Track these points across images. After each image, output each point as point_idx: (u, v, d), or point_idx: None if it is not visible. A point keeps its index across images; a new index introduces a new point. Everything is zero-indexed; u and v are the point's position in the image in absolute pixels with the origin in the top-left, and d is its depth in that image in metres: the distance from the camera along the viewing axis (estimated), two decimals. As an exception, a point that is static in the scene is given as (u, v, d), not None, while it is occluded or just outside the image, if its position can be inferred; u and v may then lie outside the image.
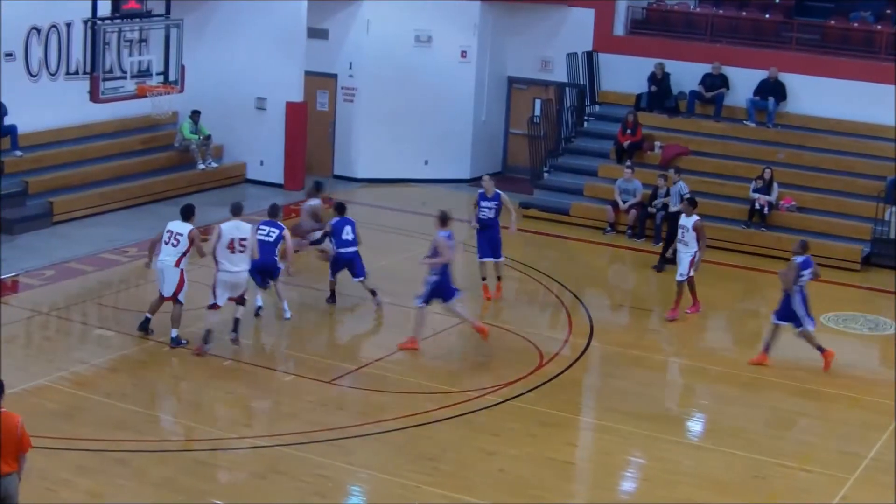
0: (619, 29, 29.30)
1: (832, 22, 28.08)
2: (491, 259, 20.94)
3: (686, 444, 16.08)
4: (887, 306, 21.69)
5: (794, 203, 25.12)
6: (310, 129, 28.50)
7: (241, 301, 18.07)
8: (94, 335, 18.70)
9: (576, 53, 28.62)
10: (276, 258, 19.02)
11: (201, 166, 27.49)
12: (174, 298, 17.80)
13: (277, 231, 18.91)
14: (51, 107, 25.11)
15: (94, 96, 20.67)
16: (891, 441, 15.95)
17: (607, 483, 14.92)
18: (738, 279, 23.20)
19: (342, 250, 19.80)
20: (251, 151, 28.28)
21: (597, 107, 29.10)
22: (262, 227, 18.95)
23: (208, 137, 27.63)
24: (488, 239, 20.85)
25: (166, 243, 17.75)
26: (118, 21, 20.98)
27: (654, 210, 24.92)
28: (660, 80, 27.84)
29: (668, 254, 21.89)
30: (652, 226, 24.96)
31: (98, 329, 18.93)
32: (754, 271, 23.16)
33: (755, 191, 25.02)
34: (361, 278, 20.02)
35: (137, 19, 21.65)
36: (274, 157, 27.90)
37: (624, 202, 25.60)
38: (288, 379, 17.47)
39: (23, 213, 23.80)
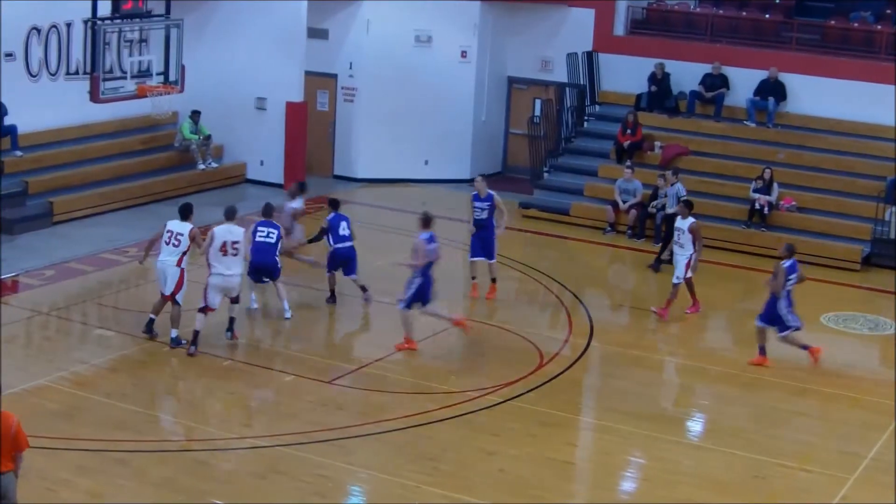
0: (620, 29, 29.30)
1: (832, 22, 28.08)
2: (482, 259, 20.92)
3: (686, 444, 16.08)
4: (887, 306, 21.68)
5: (794, 203, 25.13)
6: (310, 130, 28.50)
7: (235, 300, 18.14)
8: (94, 335, 18.70)
9: (576, 53, 28.62)
10: (277, 258, 19.04)
11: (201, 166, 27.49)
12: (172, 298, 17.81)
13: (276, 231, 18.96)
14: (51, 107, 25.11)
15: (94, 96, 20.66)
16: (891, 441, 15.95)
17: (607, 483, 14.92)
18: (738, 279, 23.20)
19: (339, 246, 19.83)
20: (251, 151, 28.28)
21: (597, 107, 29.10)
22: (260, 227, 19.01)
23: (208, 137, 27.63)
24: (481, 239, 20.84)
25: (167, 243, 17.75)
26: (118, 21, 20.96)
27: (654, 210, 24.92)
28: (660, 80, 27.84)
29: (665, 256, 21.84)
30: (652, 226, 24.95)
31: (98, 329, 18.94)
32: (754, 271, 23.12)
33: (755, 191, 25.02)
34: (354, 276, 20.03)
35: (137, 19, 21.63)
36: (274, 157, 27.90)
37: (624, 202, 25.60)
38: (288, 379, 17.47)
39: (23, 213, 23.80)
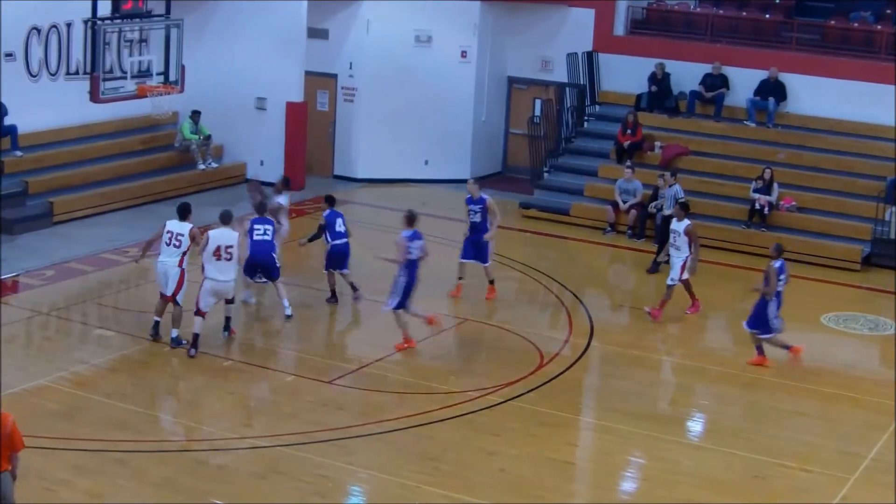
0: (620, 29, 29.29)
1: (832, 22, 28.07)
2: (473, 261, 20.89)
3: (686, 444, 16.08)
4: (887, 306, 21.68)
5: (794, 203, 25.12)
6: (310, 130, 28.50)
7: (230, 301, 18.23)
8: (94, 335, 18.70)
9: (576, 53, 28.62)
10: (275, 256, 19.06)
11: (201, 166, 27.49)
12: (173, 299, 17.81)
13: (271, 227, 19.10)
14: (51, 107, 25.11)
15: (95, 96, 20.68)
16: (891, 441, 15.94)
17: (607, 483, 14.92)
18: (738, 279, 23.17)
19: (337, 242, 19.86)
20: (251, 151, 28.27)
21: (597, 107, 29.09)
22: (256, 225, 19.07)
23: (208, 137, 27.63)
24: (474, 242, 20.81)
25: (167, 244, 17.75)
26: (118, 21, 20.98)
27: (653, 210, 24.90)
28: (660, 80, 27.83)
29: (661, 258, 21.78)
30: (652, 226, 24.93)
31: (98, 329, 18.94)
32: (754, 271, 23.03)
33: (755, 191, 25.02)
34: (346, 271, 20.05)
35: (137, 19, 21.64)
36: (274, 157, 27.89)
37: (624, 202, 25.60)
38: (288, 379, 17.48)
39: (23, 213, 23.80)
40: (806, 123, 26.85)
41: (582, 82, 28.63)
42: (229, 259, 17.70)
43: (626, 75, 28.55)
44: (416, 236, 18.22)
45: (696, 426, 16.99)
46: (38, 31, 24.82)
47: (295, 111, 27.89)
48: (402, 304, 18.17)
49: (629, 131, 27.09)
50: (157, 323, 18.04)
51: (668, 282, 20.27)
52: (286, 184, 21.48)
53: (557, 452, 15.36)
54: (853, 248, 24.15)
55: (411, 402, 16.52)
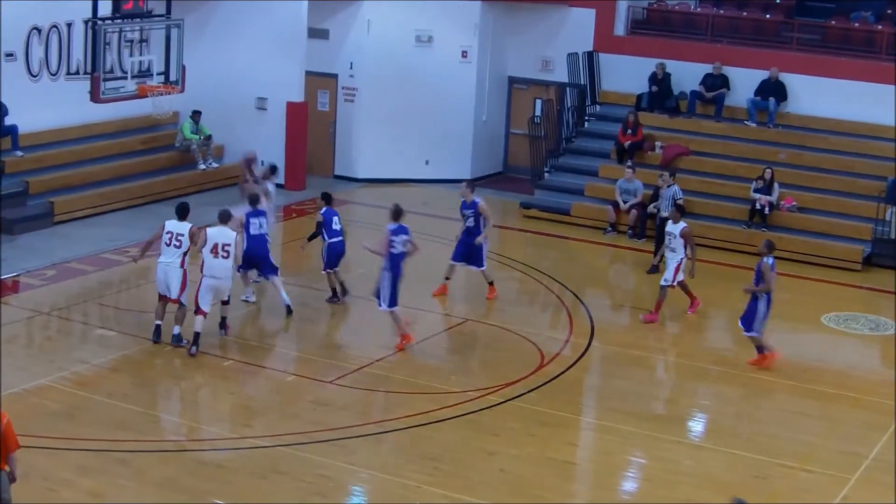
0: (620, 29, 29.29)
1: (833, 22, 28.07)
2: (462, 264, 20.87)
3: (687, 444, 16.08)
4: (888, 306, 21.67)
5: (794, 203, 25.12)
6: (310, 130, 28.51)
7: (225, 302, 18.33)
8: (95, 335, 18.71)
9: (576, 53, 28.62)
10: (269, 250, 19.46)
11: (202, 166, 27.50)
12: (178, 300, 17.84)
13: (265, 220, 19.46)
14: (51, 107, 25.11)
15: (95, 96, 20.70)
16: (892, 441, 15.95)
17: (608, 483, 14.92)
18: (739, 279, 23.04)
19: (334, 240, 19.89)
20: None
21: (597, 107, 29.10)
22: (252, 219, 19.30)
23: (209, 137, 27.64)
24: (466, 245, 20.78)
25: (167, 245, 17.76)
26: (119, 21, 21.00)
27: (654, 210, 24.89)
28: (660, 81, 27.83)
29: (656, 261, 21.75)
30: (653, 226, 24.92)
31: (99, 329, 18.94)
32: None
33: (756, 191, 25.01)
34: (337, 269, 20.17)
35: (138, 19, 21.65)
36: (275, 157, 27.67)
37: (625, 202, 25.60)
38: (289, 379, 17.50)
39: (23, 213, 23.81)
40: (806, 123, 26.85)
41: (582, 82, 28.64)
42: (226, 257, 17.77)
43: (626, 75, 28.55)
44: (400, 230, 18.26)
45: (696, 426, 16.99)
46: (39, 31, 24.82)
47: (295, 111, 27.89)
48: (395, 301, 18.21)
49: (630, 131, 27.09)
50: (158, 327, 18.02)
51: (662, 282, 20.23)
52: (272, 171, 21.54)
53: (558, 452, 15.37)
54: (854, 248, 24.15)
55: (412, 402, 16.53)
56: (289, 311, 19.45)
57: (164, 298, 17.94)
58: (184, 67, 21.85)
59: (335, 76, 29.20)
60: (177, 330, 17.91)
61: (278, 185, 27.58)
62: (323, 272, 20.18)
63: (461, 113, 29.35)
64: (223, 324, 18.42)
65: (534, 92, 30.05)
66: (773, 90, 26.88)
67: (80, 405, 15.93)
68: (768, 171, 24.98)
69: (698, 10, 29.58)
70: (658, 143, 27.20)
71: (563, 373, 17.91)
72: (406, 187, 28.66)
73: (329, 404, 16.50)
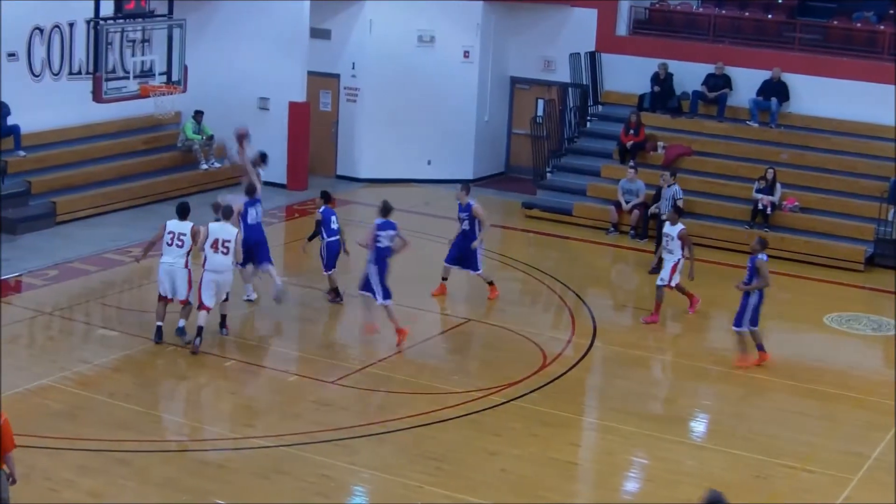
0: (622, 29, 29.28)
1: (835, 22, 28.06)
2: (456, 266, 20.87)
3: (688, 444, 16.08)
4: (890, 307, 21.63)
5: (797, 203, 25.11)
6: (313, 130, 28.51)
7: (225, 299, 18.35)
8: (98, 335, 18.71)
9: (578, 53, 28.61)
10: (265, 238, 19.80)
11: (204, 166, 27.50)
12: (186, 300, 17.90)
13: (260, 208, 19.75)
14: (54, 107, 25.12)
15: (97, 96, 20.70)
16: (893, 442, 15.92)
17: (610, 483, 14.92)
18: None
19: (331, 239, 19.91)
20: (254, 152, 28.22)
21: (599, 107, 29.09)
22: (249, 208, 19.54)
23: (211, 137, 27.64)
24: (460, 248, 20.78)
25: (169, 245, 17.80)
26: (121, 21, 21.00)
27: (656, 211, 24.89)
28: (663, 81, 27.82)
29: (654, 265, 21.73)
30: (655, 226, 24.91)
31: (101, 329, 18.94)
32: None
33: (758, 191, 25.00)
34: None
35: (140, 19, 21.65)
36: (277, 157, 27.74)
37: (627, 202, 25.59)
38: (291, 379, 17.50)
39: (26, 213, 23.82)
40: (809, 124, 26.84)
41: (584, 82, 28.63)
42: (226, 253, 17.84)
43: (628, 75, 28.54)
44: (388, 226, 18.32)
45: (698, 426, 16.98)
46: (41, 30, 24.83)
47: (298, 111, 27.90)
48: (389, 294, 18.26)
49: (632, 131, 27.07)
50: (159, 328, 18.03)
51: (658, 282, 20.18)
52: (262, 159, 21.57)
53: (560, 452, 15.37)
54: (856, 248, 24.13)
55: (414, 402, 16.52)
56: (279, 296, 19.53)
57: (164, 299, 17.95)
58: (186, 67, 21.86)
59: (337, 76, 29.20)
60: (181, 323, 18.00)
61: (280, 185, 27.73)
62: (325, 273, 20.16)
63: (463, 113, 29.35)
64: (223, 323, 18.43)
65: (536, 92, 30.05)
66: (775, 90, 26.87)
67: (81, 405, 15.94)
68: (770, 171, 24.97)
69: (700, 10, 29.57)
70: (660, 144, 27.20)
71: (565, 373, 17.91)
72: (408, 187, 28.67)
73: (331, 404, 16.50)
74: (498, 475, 14.58)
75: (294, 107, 27.83)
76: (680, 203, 23.65)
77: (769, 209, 24.78)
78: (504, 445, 15.34)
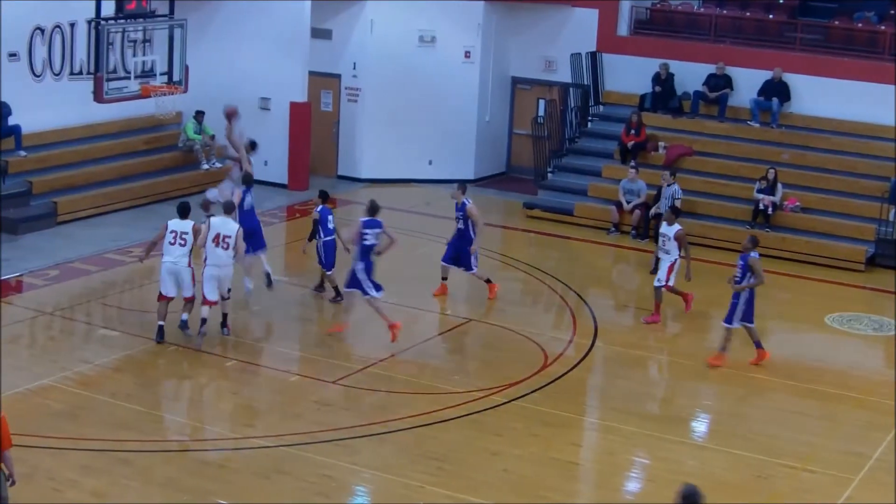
0: (623, 29, 29.28)
1: (836, 22, 28.05)
2: (451, 265, 20.87)
3: (690, 444, 16.08)
4: (891, 307, 21.63)
5: (798, 204, 25.11)
6: (314, 130, 28.51)
7: (226, 297, 18.39)
8: (99, 335, 18.71)
9: (579, 54, 28.61)
10: (260, 225, 20.11)
11: (205, 166, 27.49)
12: (193, 297, 17.99)
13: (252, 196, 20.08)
14: (55, 107, 25.12)
15: (98, 96, 20.69)
16: (894, 442, 15.94)
17: (611, 483, 14.92)
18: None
19: (328, 239, 19.92)
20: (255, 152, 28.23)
21: (601, 107, 29.09)
22: (247, 196, 19.85)
23: (212, 137, 27.62)
24: (455, 248, 20.79)
25: (172, 244, 17.83)
26: (122, 21, 21.00)
27: (658, 211, 24.89)
28: (664, 81, 27.82)
29: (652, 263, 21.74)
30: (656, 226, 24.88)
31: (102, 329, 18.94)
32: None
33: (759, 191, 25.00)
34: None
35: (141, 19, 21.65)
36: (278, 157, 27.89)
37: (628, 203, 25.59)
38: (292, 379, 17.50)
39: (27, 213, 23.82)
40: (809, 124, 26.84)
41: (585, 82, 28.63)
42: (226, 248, 17.95)
43: (629, 75, 28.54)
44: (374, 224, 18.37)
45: (699, 426, 16.98)
46: (42, 31, 24.82)
47: (299, 111, 27.90)
48: (380, 287, 18.37)
49: (633, 131, 27.07)
50: (161, 327, 18.03)
51: (655, 283, 20.14)
52: (252, 147, 21.59)
53: (561, 452, 15.37)
54: (857, 248, 24.13)
55: (415, 402, 16.53)
56: (269, 280, 19.88)
57: (166, 298, 17.96)
58: (187, 67, 21.86)
59: (338, 76, 29.20)
60: (184, 316, 18.08)
61: (281, 185, 27.73)
62: (328, 273, 20.15)
63: (464, 113, 29.35)
64: (224, 323, 18.44)
65: (537, 92, 30.05)
66: (776, 90, 26.87)
67: (83, 405, 15.94)
68: (772, 171, 24.97)
69: (701, 10, 29.57)
70: (661, 144, 27.20)
71: (566, 373, 17.91)
72: (409, 187, 28.68)
73: (332, 404, 16.51)
74: (499, 475, 14.59)
75: (295, 107, 27.83)
76: (678, 203, 23.65)
77: (770, 209, 24.77)
78: (505, 445, 15.34)
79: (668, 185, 24.39)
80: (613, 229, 25.76)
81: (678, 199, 24.13)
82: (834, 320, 20.92)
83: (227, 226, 18.04)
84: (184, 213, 18.08)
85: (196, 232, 17.88)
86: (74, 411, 15.72)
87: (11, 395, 15.47)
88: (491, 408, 16.45)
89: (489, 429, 15.84)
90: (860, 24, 27.87)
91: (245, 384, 17.26)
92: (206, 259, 17.99)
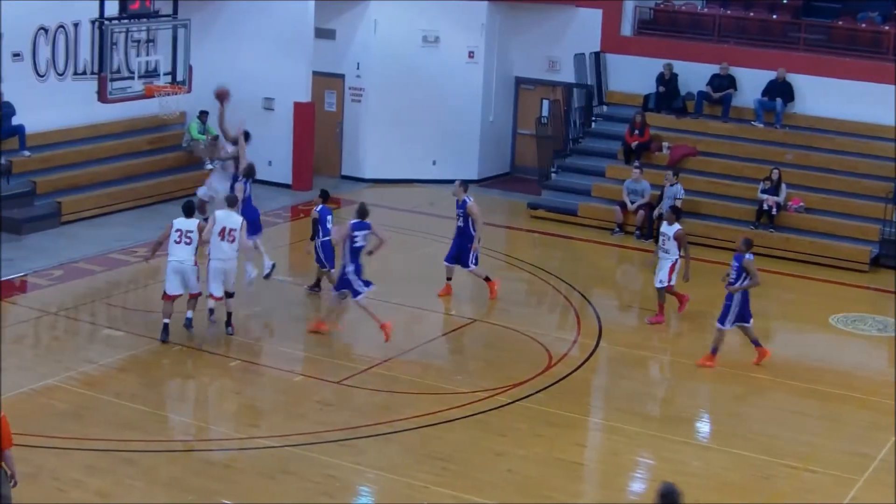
0: (627, 29, 29.26)
1: (840, 22, 28.03)
2: (453, 264, 20.86)
3: (693, 444, 16.07)
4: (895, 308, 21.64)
5: (802, 204, 25.09)
6: (317, 130, 28.51)
7: (230, 294, 18.43)
8: (103, 335, 18.71)
9: (583, 54, 28.61)
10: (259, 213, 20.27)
11: (209, 166, 27.46)
12: (199, 294, 18.10)
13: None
14: (58, 107, 25.12)
15: (102, 96, 20.69)
16: (897, 443, 15.96)
17: (616, 483, 14.91)
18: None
19: (327, 239, 19.96)
20: (259, 152, 28.16)
21: (604, 107, 29.08)
22: (246, 187, 20.03)
23: (216, 138, 27.53)
24: (456, 246, 20.79)
25: (177, 242, 17.87)
26: (126, 21, 21.00)
27: (661, 211, 24.86)
28: (667, 81, 27.82)
29: (650, 262, 21.71)
30: (660, 226, 24.89)
31: (106, 329, 18.95)
32: (762, 272, 22.95)
33: (763, 192, 24.99)
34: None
35: (145, 19, 21.65)
36: (282, 157, 27.89)
37: (632, 203, 25.58)
38: (296, 379, 17.50)
39: (31, 213, 23.83)
40: (813, 124, 26.82)
41: (589, 83, 28.62)
42: (232, 241, 18.08)
43: (633, 76, 28.53)
44: (362, 226, 18.40)
45: (703, 427, 16.98)
46: (46, 31, 24.83)
47: (302, 111, 27.90)
48: (369, 282, 18.45)
49: (637, 132, 27.06)
50: (166, 325, 18.05)
51: (657, 284, 20.13)
52: (246, 136, 21.55)
53: (565, 453, 15.37)
54: (861, 248, 24.12)
55: (419, 402, 16.53)
56: (267, 276, 20.07)
57: (171, 297, 17.98)
58: (191, 67, 21.84)
59: (342, 76, 29.21)
60: (189, 314, 18.14)
61: (285, 186, 27.72)
62: (331, 272, 20.15)
63: (468, 113, 29.35)
64: (229, 321, 18.46)
65: (541, 92, 30.04)
66: (780, 91, 26.85)
67: (87, 405, 15.94)
68: (776, 171, 24.95)
69: (705, 10, 29.56)
70: (665, 144, 27.19)
71: (570, 373, 17.90)
72: (413, 187, 28.68)
73: (336, 404, 16.51)
74: (504, 475, 14.58)
75: (299, 107, 27.83)
76: (679, 203, 23.64)
77: (774, 210, 24.75)
78: (510, 446, 15.34)
79: (671, 185, 24.39)
80: (617, 230, 25.75)
81: (679, 199, 24.12)
82: (838, 321, 20.91)
83: (232, 219, 18.18)
84: (189, 211, 18.16)
85: (201, 228, 17.99)
86: (79, 411, 15.72)
87: (16, 394, 15.49)
88: (495, 408, 16.45)
89: (494, 429, 15.83)
90: (864, 25, 27.84)
91: (249, 384, 17.27)
92: (209, 253, 18.03)
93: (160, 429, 15.69)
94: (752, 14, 29.04)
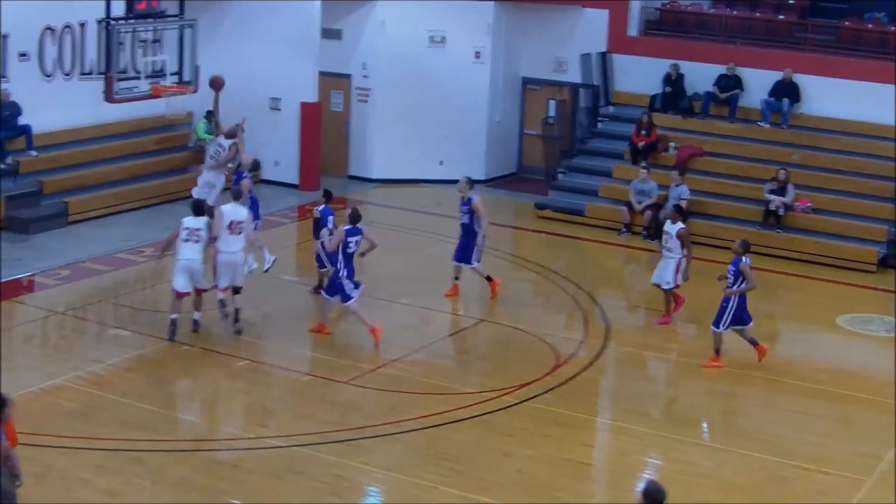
0: (633, 30, 29.24)
1: (846, 23, 28.01)
2: (459, 263, 20.86)
3: (702, 445, 16.05)
4: (903, 308, 21.64)
5: (809, 204, 25.07)
6: (324, 130, 28.51)
7: (237, 290, 18.43)
8: (111, 335, 18.72)
9: (590, 54, 28.60)
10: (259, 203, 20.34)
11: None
12: (205, 290, 18.17)
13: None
14: (65, 107, 25.13)
15: (109, 96, 20.74)
16: (907, 443, 15.93)
17: (623, 484, 14.88)
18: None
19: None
20: (266, 152, 28.19)
21: (611, 107, 29.05)
22: (245, 180, 20.07)
23: (222, 138, 27.60)
24: (463, 244, 20.77)
25: (186, 241, 17.92)
26: (132, 21, 21.02)
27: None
28: (674, 81, 27.80)
29: (652, 260, 21.69)
30: (666, 227, 24.90)
31: (114, 329, 18.95)
32: (769, 272, 23.02)
33: (770, 192, 24.96)
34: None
35: (151, 19, 21.68)
36: (289, 157, 27.91)
37: (639, 203, 25.57)
38: (304, 379, 17.50)
39: (38, 213, 23.86)
40: (820, 125, 26.79)
41: (596, 83, 28.61)
42: (239, 234, 18.16)
43: (640, 76, 28.51)
44: (356, 232, 18.42)
45: (712, 427, 16.95)
46: (52, 31, 24.85)
47: (309, 111, 27.91)
48: (358, 283, 18.50)
49: (644, 132, 27.05)
50: (174, 321, 18.05)
51: (664, 285, 20.07)
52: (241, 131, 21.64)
53: (573, 453, 15.35)
54: (869, 249, 24.09)
55: (427, 402, 16.52)
56: (270, 264, 20.01)
57: (179, 295, 18.00)
58: (197, 67, 21.88)
59: (349, 76, 29.21)
60: (196, 316, 18.22)
61: (292, 186, 27.73)
62: (333, 269, 20.15)
63: (475, 113, 29.33)
64: (237, 318, 18.46)
65: (547, 93, 30.04)
66: (786, 91, 26.83)
67: (95, 404, 15.95)
68: (782, 172, 24.93)
69: (712, 10, 29.55)
70: (672, 144, 27.18)
71: (578, 374, 17.89)
72: (420, 188, 28.68)
73: (344, 404, 16.51)
74: (511, 476, 14.57)
75: (305, 107, 27.84)
76: (683, 203, 23.62)
77: (781, 210, 24.72)
78: (517, 446, 15.33)
79: (677, 186, 24.36)
80: (624, 230, 25.74)
81: (684, 199, 24.10)
82: (846, 321, 20.88)
83: (238, 212, 18.27)
84: (198, 210, 18.20)
85: (209, 226, 18.03)
86: (87, 411, 15.73)
87: (24, 394, 15.47)
88: (503, 408, 16.43)
89: (501, 429, 15.82)
90: (870, 25, 27.82)
91: (257, 384, 17.26)
92: (218, 247, 18.07)
93: (168, 428, 15.69)
94: (758, 14, 29.03)
